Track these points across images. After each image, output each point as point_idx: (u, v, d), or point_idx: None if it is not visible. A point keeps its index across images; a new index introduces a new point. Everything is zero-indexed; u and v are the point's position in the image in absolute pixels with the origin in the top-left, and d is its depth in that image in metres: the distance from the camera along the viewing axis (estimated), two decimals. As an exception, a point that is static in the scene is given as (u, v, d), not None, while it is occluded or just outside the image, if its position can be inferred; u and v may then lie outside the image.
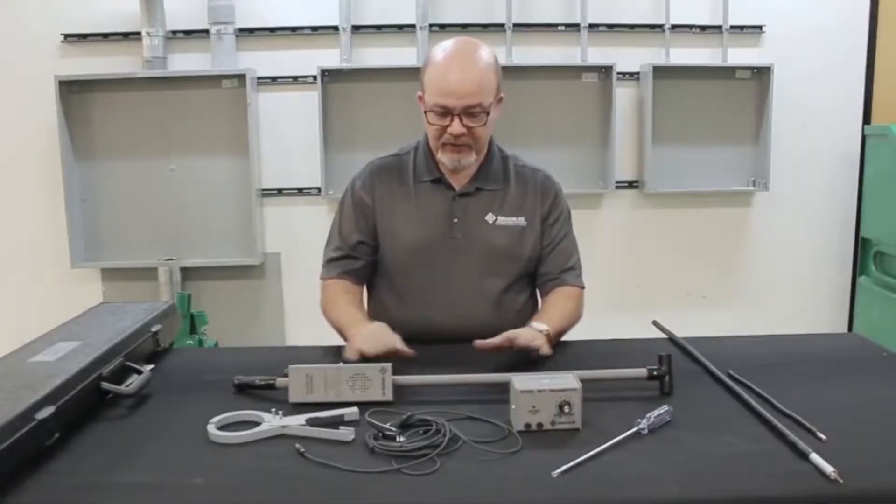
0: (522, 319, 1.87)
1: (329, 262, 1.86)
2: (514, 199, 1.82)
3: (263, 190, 3.50)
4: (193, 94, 3.37)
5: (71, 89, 3.31)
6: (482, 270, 1.80)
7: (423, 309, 1.81)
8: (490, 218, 1.80)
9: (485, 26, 3.43)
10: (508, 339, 1.55)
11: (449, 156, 1.74)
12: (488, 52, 1.73)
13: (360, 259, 1.84)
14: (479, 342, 1.54)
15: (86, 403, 1.33)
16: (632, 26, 3.48)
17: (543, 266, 1.86)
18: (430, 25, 3.36)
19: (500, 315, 1.81)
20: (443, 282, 1.80)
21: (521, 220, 1.82)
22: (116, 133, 3.40)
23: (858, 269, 3.66)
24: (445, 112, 1.68)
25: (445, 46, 1.72)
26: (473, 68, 1.68)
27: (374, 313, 1.93)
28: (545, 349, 1.59)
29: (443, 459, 1.14)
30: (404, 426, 1.23)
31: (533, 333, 1.61)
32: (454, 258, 1.79)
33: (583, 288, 1.86)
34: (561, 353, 1.66)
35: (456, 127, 1.68)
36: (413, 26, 3.35)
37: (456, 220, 1.79)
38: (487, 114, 1.69)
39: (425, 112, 1.72)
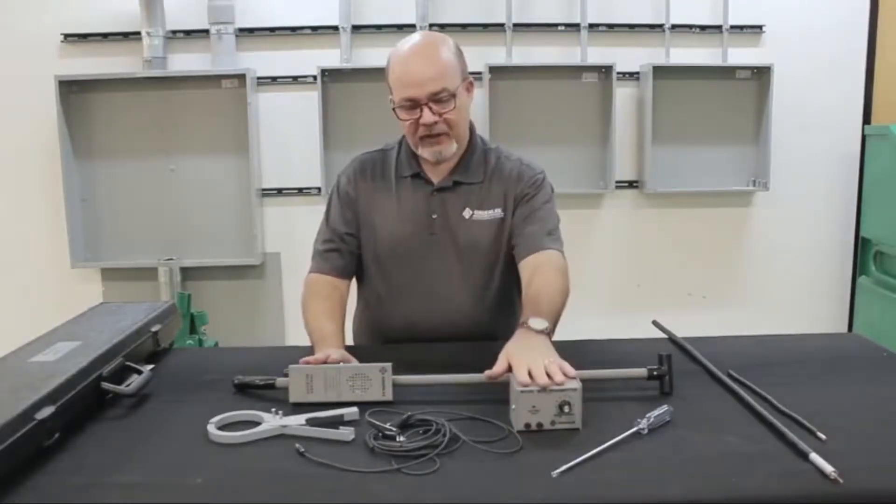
0: (503, 315, 1.85)
1: (318, 254, 1.83)
2: (492, 193, 1.78)
3: (263, 190, 3.51)
4: (193, 94, 3.38)
5: (71, 89, 3.32)
6: (461, 267, 1.78)
7: (403, 306, 1.80)
8: (467, 213, 1.77)
9: (485, 26, 3.43)
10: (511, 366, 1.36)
11: (429, 149, 1.71)
12: (444, 39, 1.71)
13: (349, 252, 1.81)
14: (488, 373, 1.37)
15: (85, 403, 1.33)
16: (632, 26, 3.48)
17: (519, 234, 1.75)
18: (430, 25, 3.36)
19: (481, 311, 1.81)
20: (422, 279, 1.78)
21: (499, 212, 1.77)
22: (116, 133, 3.40)
23: (858, 269, 3.66)
24: (413, 104, 1.66)
25: (402, 44, 1.72)
26: (431, 55, 1.66)
27: (359, 311, 1.93)
28: (558, 377, 1.29)
29: (443, 459, 1.14)
30: (404, 426, 1.23)
31: (532, 342, 1.44)
32: (432, 255, 1.77)
33: (561, 252, 1.74)
34: (561, 354, 1.64)
35: (427, 116, 1.65)
36: (413, 26, 3.35)
37: (434, 216, 1.77)
38: (454, 97, 1.66)
39: (395, 110, 1.70)
